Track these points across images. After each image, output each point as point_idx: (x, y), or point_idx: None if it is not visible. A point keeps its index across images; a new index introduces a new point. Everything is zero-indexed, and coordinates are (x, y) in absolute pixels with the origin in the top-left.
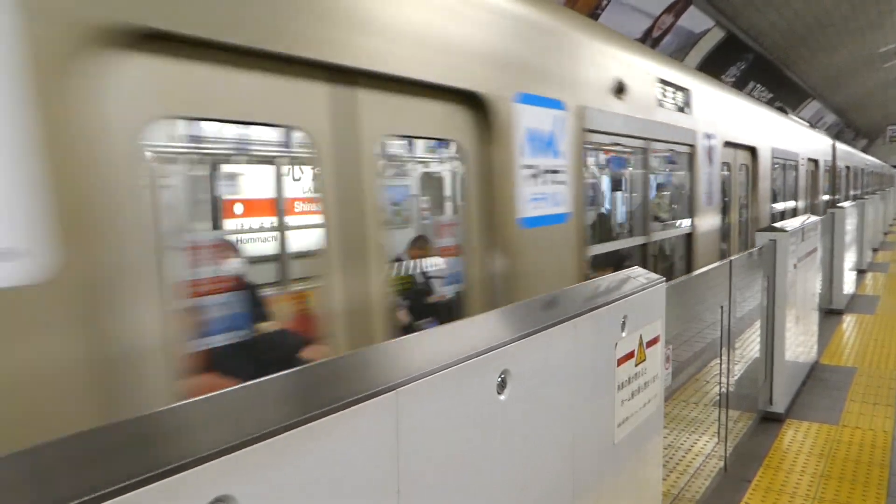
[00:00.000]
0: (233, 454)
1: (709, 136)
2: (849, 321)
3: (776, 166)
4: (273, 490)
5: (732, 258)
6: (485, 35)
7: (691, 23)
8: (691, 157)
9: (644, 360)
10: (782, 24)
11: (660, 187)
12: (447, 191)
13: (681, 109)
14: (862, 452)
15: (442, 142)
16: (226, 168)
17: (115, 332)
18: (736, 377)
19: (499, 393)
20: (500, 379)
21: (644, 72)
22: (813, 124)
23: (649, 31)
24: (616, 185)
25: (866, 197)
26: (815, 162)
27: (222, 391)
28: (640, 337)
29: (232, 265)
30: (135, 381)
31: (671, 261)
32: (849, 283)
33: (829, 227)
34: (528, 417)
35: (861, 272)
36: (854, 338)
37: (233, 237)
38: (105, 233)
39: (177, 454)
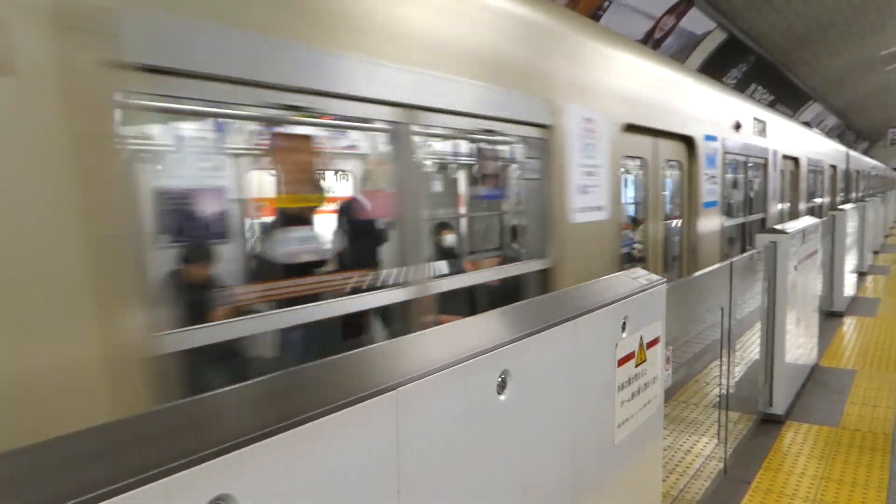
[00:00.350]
0: (232, 453)
1: (775, 152)
2: (849, 323)
3: (810, 171)
4: (272, 490)
5: (733, 259)
6: (691, 106)
7: (693, 24)
8: (765, 166)
9: (644, 360)
10: (783, 25)
11: (750, 187)
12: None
13: (761, 134)
14: (862, 455)
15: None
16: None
17: (618, 239)
18: (736, 379)
19: (499, 393)
20: (500, 379)
21: (747, 113)
22: (815, 127)
23: (650, 32)
24: (732, 185)
25: (867, 199)
26: (835, 167)
27: (222, 390)
28: (641, 338)
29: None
30: (619, 262)
31: (752, 237)
32: (849, 286)
33: (830, 229)
34: (528, 417)
35: (862, 275)
36: (854, 340)
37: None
38: (615, 203)
39: (176, 453)
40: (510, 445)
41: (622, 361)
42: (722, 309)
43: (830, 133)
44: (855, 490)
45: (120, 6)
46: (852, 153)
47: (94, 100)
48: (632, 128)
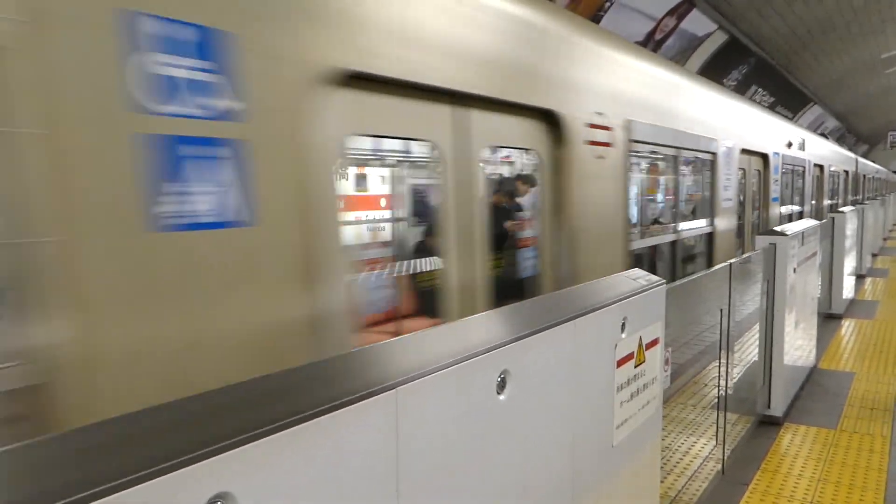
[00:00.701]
0: (232, 451)
1: (809, 161)
2: (848, 326)
3: (830, 175)
4: (272, 488)
5: (732, 261)
6: (767, 132)
7: (693, 26)
8: (803, 173)
9: (643, 361)
10: (784, 28)
11: (795, 187)
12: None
13: (801, 148)
14: (860, 457)
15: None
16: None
17: (737, 218)
18: (735, 380)
19: (499, 393)
20: (500, 379)
21: (794, 133)
22: (814, 130)
23: (651, 33)
24: (784, 186)
25: (866, 202)
26: (847, 172)
27: (221, 388)
28: (640, 338)
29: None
30: (737, 231)
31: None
32: (848, 288)
33: (829, 231)
34: (527, 417)
35: (860, 277)
36: (853, 343)
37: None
38: (736, 196)
39: (175, 451)
40: (510, 445)
41: (621, 362)
42: (721, 310)
43: (830, 135)
44: (852, 492)
45: (633, 119)
46: (861, 160)
47: (624, 152)
48: (743, 150)
